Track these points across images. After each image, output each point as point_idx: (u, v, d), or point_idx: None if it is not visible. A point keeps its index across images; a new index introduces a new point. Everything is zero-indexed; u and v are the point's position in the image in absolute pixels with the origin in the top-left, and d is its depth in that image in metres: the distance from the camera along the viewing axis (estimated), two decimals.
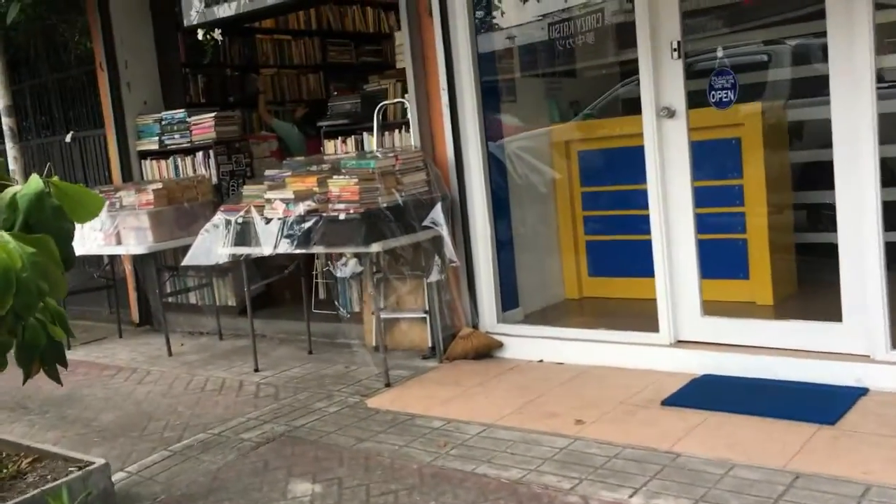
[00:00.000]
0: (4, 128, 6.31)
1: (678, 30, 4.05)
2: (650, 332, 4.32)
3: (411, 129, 5.06)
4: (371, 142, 5.46)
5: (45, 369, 2.84)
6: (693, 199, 4.16)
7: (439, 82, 4.82)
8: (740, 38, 4.81)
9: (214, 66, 7.44)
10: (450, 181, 4.88)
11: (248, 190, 5.09)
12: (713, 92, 4.15)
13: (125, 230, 5.85)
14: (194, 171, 6.47)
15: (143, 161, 6.82)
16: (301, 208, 4.60)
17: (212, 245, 4.97)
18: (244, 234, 4.82)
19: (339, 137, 5.67)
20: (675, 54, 4.05)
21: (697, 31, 4.59)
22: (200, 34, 5.15)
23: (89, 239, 5.94)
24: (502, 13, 5.40)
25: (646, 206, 4.32)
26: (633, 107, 6.00)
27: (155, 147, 6.67)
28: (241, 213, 4.87)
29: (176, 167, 6.59)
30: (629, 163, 5.35)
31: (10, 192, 2.86)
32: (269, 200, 4.78)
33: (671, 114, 4.11)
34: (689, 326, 4.23)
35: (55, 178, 3.00)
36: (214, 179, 6.32)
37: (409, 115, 5.10)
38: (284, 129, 7.39)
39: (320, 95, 8.29)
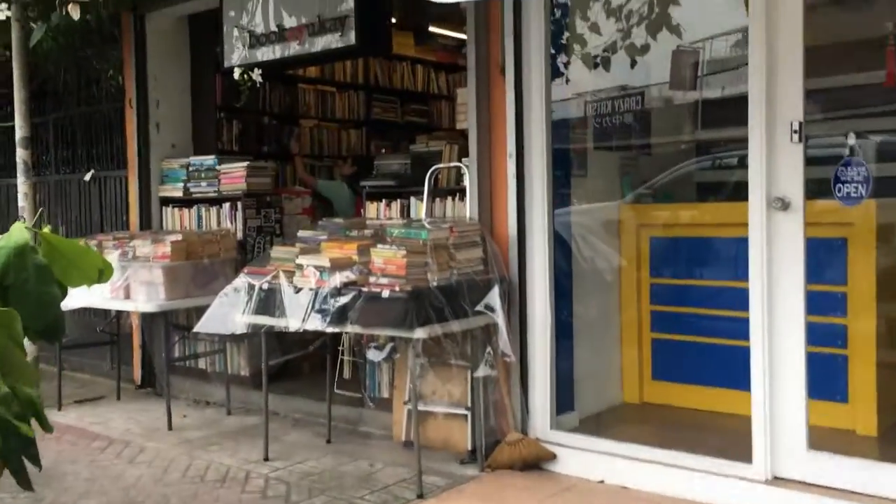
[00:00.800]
0: (18, 160, 5.77)
1: (800, 109, 3.44)
2: (740, 462, 3.60)
3: (468, 198, 4.45)
4: (420, 208, 4.85)
5: (11, 472, 2.18)
6: (805, 305, 3.49)
7: (506, 148, 4.24)
8: (873, 124, 4.20)
9: (251, 112, 6.94)
10: (509, 261, 4.25)
11: (277, 251, 4.48)
12: (841, 185, 3.51)
13: (136, 284, 5.24)
14: (219, 223, 5.89)
15: (164, 208, 6.25)
16: (337, 279, 3.97)
17: (230, 311, 4.34)
18: (268, 303, 4.19)
19: (384, 200, 5.07)
20: (796, 137, 3.43)
21: (822, 112, 3.99)
22: (237, 73, 4.59)
23: (96, 290, 5.33)
24: (572, 76, 4.86)
25: (730, 306, 3.69)
26: (707, 191, 5.42)
27: (179, 194, 6.11)
28: (268, 277, 4.25)
29: (199, 218, 6.01)
30: (714, 255, 4.71)
31: None
32: (300, 266, 4.16)
33: (785, 205, 3.47)
34: (792, 461, 3.51)
35: (46, 230, 2.40)
36: (240, 235, 5.74)
37: (465, 182, 4.51)
38: (333, 188, 6.83)
39: (361, 152, 7.76)
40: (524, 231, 4.25)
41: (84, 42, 7.30)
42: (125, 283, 5.28)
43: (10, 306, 2.27)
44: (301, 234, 4.66)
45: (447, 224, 4.17)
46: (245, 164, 5.76)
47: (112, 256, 5.37)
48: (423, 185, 4.86)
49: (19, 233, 2.28)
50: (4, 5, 4.17)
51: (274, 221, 5.91)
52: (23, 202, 5.79)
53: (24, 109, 5.79)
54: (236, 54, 5.42)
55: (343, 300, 3.88)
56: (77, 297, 5.36)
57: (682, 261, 4.79)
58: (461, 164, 4.63)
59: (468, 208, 4.47)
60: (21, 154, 5.78)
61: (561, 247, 4.47)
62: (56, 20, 4.93)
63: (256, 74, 4.28)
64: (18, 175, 5.80)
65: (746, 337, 3.64)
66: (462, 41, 8.49)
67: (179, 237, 5.26)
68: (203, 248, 5.35)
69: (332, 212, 6.78)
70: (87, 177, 7.06)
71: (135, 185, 6.28)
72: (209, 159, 5.96)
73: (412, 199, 4.94)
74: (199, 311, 4.63)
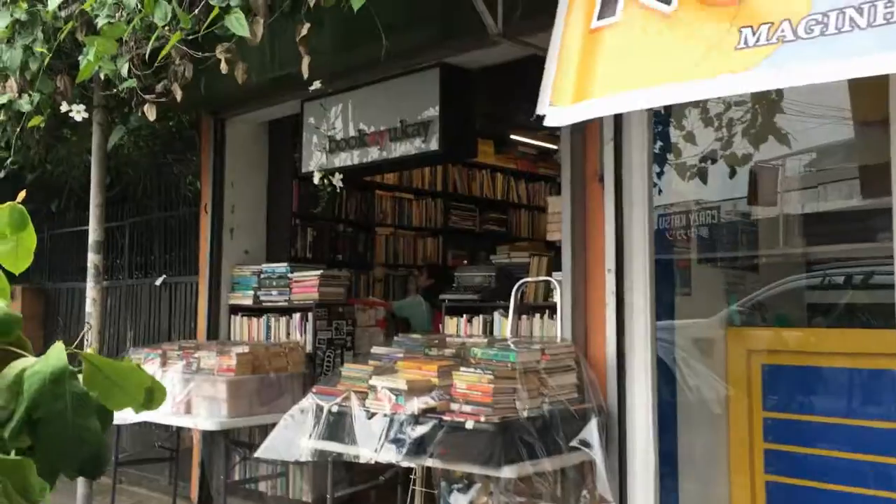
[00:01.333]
0: (89, 265, 5.62)
1: None
2: None
3: (559, 317, 4.04)
4: (504, 325, 4.45)
5: None
6: None
7: (604, 262, 3.83)
8: None
9: (327, 219, 6.74)
10: (607, 389, 3.77)
11: (348, 370, 4.10)
12: None
13: (198, 398, 4.91)
14: (288, 334, 5.58)
15: (233, 316, 6.00)
16: (415, 405, 3.55)
17: (295, 435, 3.94)
18: (337, 428, 3.79)
19: (464, 315, 4.69)
20: None
21: None
22: (317, 178, 4.36)
23: None
24: (669, 186, 4.48)
25: (871, 450, 3.10)
26: (823, 313, 4.87)
27: (249, 302, 5.86)
28: (338, 399, 3.86)
29: (268, 328, 5.72)
30: (845, 388, 4.14)
31: (17, 366, 1.95)
32: (373, 388, 3.77)
33: None
34: None
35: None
36: (309, 347, 5.40)
37: (556, 298, 4.11)
38: (409, 307, 6.51)
39: (437, 261, 7.46)
40: (623, 355, 3.79)
41: (165, 148, 7.34)
42: (187, 396, 4.96)
43: (42, 442, 1.94)
44: (375, 350, 4.29)
45: (537, 345, 3.75)
46: (318, 272, 5.49)
47: (176, 368, 5.09)
48: (508, 300, 4.49)
49: (58, 356, 1.96)
50: (81, 107, 4.04)
51: (345, 334, 5.57)
52: (90, 308, 5.60)
53: (99, 213, 5.68)
54: (315, 159, 5.23)
55: (421, 430, 3.45)
56: (132, 415, 5.08)
57: (803, 393, 4.22)
58: (551, 279, 4.24)
59: (559, 328, 4.05)
60: (92, 259, 5.63)
61: (662, 372, 3.98)
62: (135, 123, 4.81)
63: (337, 179, 4.03)
64: (88, 280, 5.63)
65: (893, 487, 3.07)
66: (543, 150, 8.31)
67: (246, 349, 4.94)
68: (270, 362, 5.02)
69: (407, 323, 6.43)
70: (159, 281, 6.91)
71: (204, 291, 6.06)
72: (281, 267, 5.71)
73: (496, 315, 4.54)
74: (263, 429, 4.26)
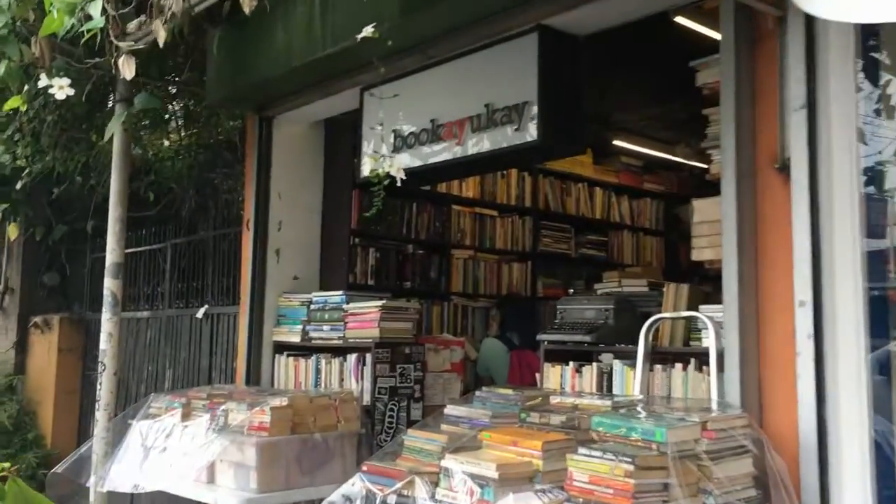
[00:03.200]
0: (105, 292, 4.64)
1: None
2: None
3: (713, 370, 2.80)
4: (628, 379, 3.22)
5: None
6: None
7: (792, 290, 2.57)
8: None
9: (394, 238, 5.62)
10: (801, 484, 2.49)
11: (413, 438, 2.94)
12: None
13: (223, 464, 3.82)
14: (341, 381, 4.46)
15: (277, 356, 4.91)
16: (511, 503, 2.35)
17: None
18: None
19: (571, 363, 3.46)
20: None
21: None
22: (367, 168, 3.16)
23: (177, 463, 3.95)
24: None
25: None
26: None
27: (296, 339, 4.76)
28: (397, 485, 2.69)
29: (317, 372, 4.60)
30: None
31: None
32: (447, 472, 2.58)
33: None
34: None
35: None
36: (366, 398, 4.26)
37: (707, 342, 2.88)
38: (492, 357, 5.29)
39: (524, 290, 6.25)
40: (825, 431, 2.50)
41: (213, 159, 6.39)
42: (211, 461, 3.87)
43: None
44: (450, 411, 3.12)
45: (694, 415, 2.50)
46: (380, 303, 4.35)
47: (200, 423, 4.00)
48: (631, 342, 3.27)
49: None
50: (65, 81, 3.04)
51: (413, 381, 4.40)
52: (105, 344, 4.60)
53: (118, 230, 4.69)
54: (375, 162, 4.11)
55: None
56: (148, 479, 4.02)
57: None
58: (699, 315, 2.99)
59: (714, 386, 2.80)
60: (109, 285, 4.64)
61: (880, 457, 2.67)
62: (141, 104, 3.77)
63: (397, 170, 2.90)
64: (104, 310, 4.64)
65: None
66: (652, 160, 7.04)
67: (284, 401, 3.82)
68: (315, 418, 3.88)
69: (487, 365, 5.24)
70: (200, 313, 5.89)
71: (244, 325, 4.99)
72: (336, 296, 4.60)
73: (616, 364, 3.30)
74: None
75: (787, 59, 2.67)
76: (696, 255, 3.03)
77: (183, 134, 6.49)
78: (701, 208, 3.04)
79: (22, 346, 7.69)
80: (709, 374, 2.97)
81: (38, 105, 4.80)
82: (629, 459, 2.22)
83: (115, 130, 4.55)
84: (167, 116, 5.72)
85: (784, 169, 2.64)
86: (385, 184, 3.03)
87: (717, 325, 2.89)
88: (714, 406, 2.76)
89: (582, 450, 2.35)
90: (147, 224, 6.90)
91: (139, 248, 6.85)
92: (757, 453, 2.45)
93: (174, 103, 6.13)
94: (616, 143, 6.55)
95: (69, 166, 5.47)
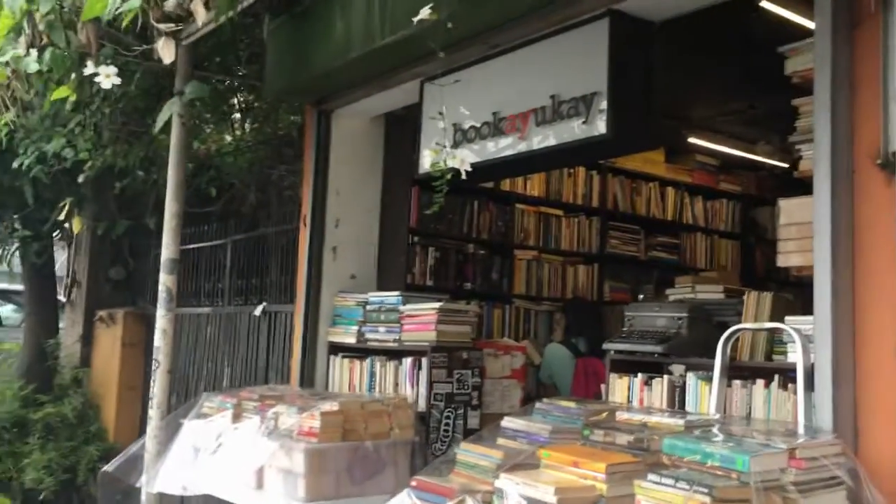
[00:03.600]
0: (161, 287, 4.56)
1: None
2: None
3: (800, 389, 2.51)
4: (703, 394, 2.95)
5: None
6: None
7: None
8: None
9: (454, 237, 5.41)
10: None
11: (466, 453, 2.75)
12: None
13: (272, 469, 3.68)
14: (396, 385, 4.28)
15: (332, 357, 4.76)
16: None
17: None
18: None
19: (639, 374, 3.21)
20: None
21: None
22: (428, 161, 2.93)
23: (226, 470, 3.83)
24: None
25: None
26: None
27: (352, 340, 4.60)
28: (449, 503, 2.49)
29: (372, 375, 4.44)
30: None
31: None
32: (501, 492, 2.37)
33: None
34: None
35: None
36: (421, 404, 4.07)
37: (794, 358, 2.60)
38: (557, 364, 5.03)
39: (590, 294, 5.97)
40: None
41: (275, 154, 6.31)
42: (260, 465, 3.74)
43: None
44: (507, 423, 2.90)
45: (780, 440, 2.23)
46: (437, 304, 4.15)
47: (250, 425, 3.88)
48: (706, 355, 3.00)
49: None
50: (112, 69, 2.92)
51: (471, 388, 4.19)
52: (159, 341, 4.52)
53: (175, 225, 4.61)
54: (435, 157, 3.92)
55: None
56: (196, 481, 3.91)
57: None
58: (785, 327, 2.71)
59: (800, 407, 2.51)
60: (165, 280, 4.55)
61: None
62: (193, 93, 3.65)
63: (461, 161, 2.68)
64: (158, 306, 4.57)
65: None
66: (728, 159, 6.66)
67: (335, 406, 3.66)
68: (367, 424, 3.71)
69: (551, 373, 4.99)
70: (258, 311, 5.80)
71: (299, 324, 4.86)
72: (392, 296, 4.42)
73: (691, 378, 3.03)
74: None
75: (891, 42, 2.37)
76: (783, 261, 2.74)
77: (244, 129, 6.43)
78: (789, 209, 2.74)
79: (87, 340, 7.76)
80: (795, 394, 2.69)
81: (99, 98, 4.77)
82: (706, 490, 1.97)
83: (172, 123, 4.47)
84: (226, 109, 5.65)
85: (887, 166, 2.35)
86: (448, 178, 2.81)
87: (806, 338, 2.61)
88: (801, 430, 2.48)
89: (652, 476, 2.11)
90: (209, 220, 6.88)
91: (201, 244, 6.81)
92: (852, 486, 2.17)
93: (236, 97, 6.08)
94: (691, 140, 6.21)
95: (130, 160, 5.43)
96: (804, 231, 2.67)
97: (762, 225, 7.14)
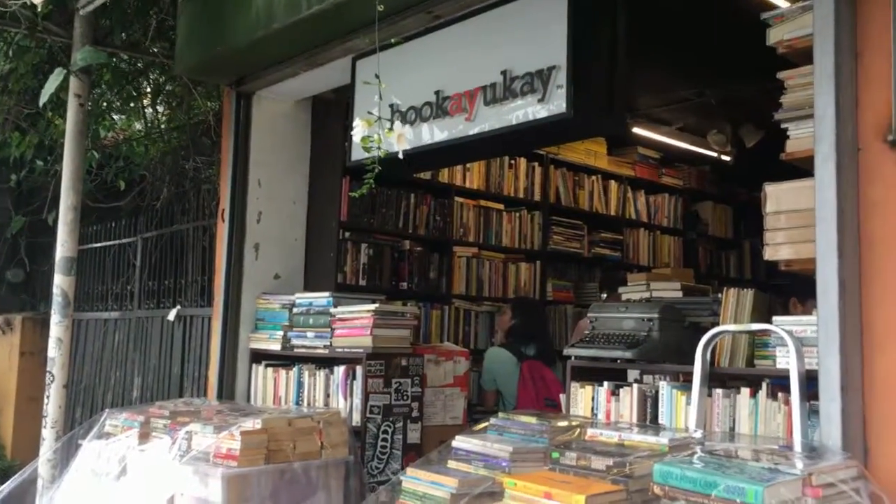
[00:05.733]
0: (54, 289, 4.02)
1: None
2: None
3: (795, 400, 2.20)
4: (679, 405, 2.61)
5: None
6: None
7: None
8: None
9: (389, 233, 4.99)
10: None
11: (413, 481, 2.35)
12: None
13: (185, 499, 3.19)
14: (327, 397, 3.84)
15: (254, 366, 4.29)
16: None
17: None
18: None
19: (605, 383, 2.85)
20: None
21: None
22: (358, 134, 2.47)
23: (130, 495, 3.33)
24: None
25: None
26: None
27: (276, 347, 4.14)
28: None
29: (299, 385, 3.99)
30: None
31: None
32: None
33: None
34: None
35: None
36: (356, 418, 3.64)
37: (786, 363, 2.29)
38: (488, 368, 4.63)
39: (533, 294, 5.63)
40: None
41: (188, 147, 5.78)
42: (171, 496, 3.25)
43: None
44: (460, 443, 2.51)
45: (786, 462, 1.89)
46: (373, 306, 3.73)
47: (160, 447, 3.39)
48: (679, 361, 2.68)
49: None
50: None
51: (411, 398, 3.78)
52: (54, 352, 3.97)
53: (72, 219, 4.07)
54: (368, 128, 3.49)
55: None
56: None
57: None
58: (775, 329, 2.39)
59: (796, 421, 2.19)
60: (60, 282, 4.02)
61: None
62: (83, 61, 3.14)
63: (397, 136, 2.26)
64: (53, 312, 4.02)
65: None
66: (671, 152, 6.41)
67: (258, 423, 3.21)
68: (295, 444, 3.27)
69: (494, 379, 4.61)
70: (172, 315, 5.27)
71: (217, 330, 4.37)
72: (321, 297, 3.98)
73: (663, 387, 2.69)
74: None
75: None
76: (770, 254, 2.42)
77: (156, 114, 5.88)
78: (777, 195, 2.42)
79: None
80: (786, 404, 2.38)
81: None
82: None
83: (68, 105, 3.95)
84: (135, 93, 5.10)
85: None
86: (380, 155, 2.40)
87: (798, 341, 2.30)
88: (798, 447, 2.16)
89: None
90: (117, 215, 6.29)
91: (108, 242, 6.22)
92: None
93: (147, 79, 5.53)
94: (636, 130, 5.93)
95: (23, 148, 4.84)
96: (795, 219, 2.35)
97: (704, 220, 6.95)
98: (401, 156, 2.39)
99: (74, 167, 4.05)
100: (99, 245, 6.32)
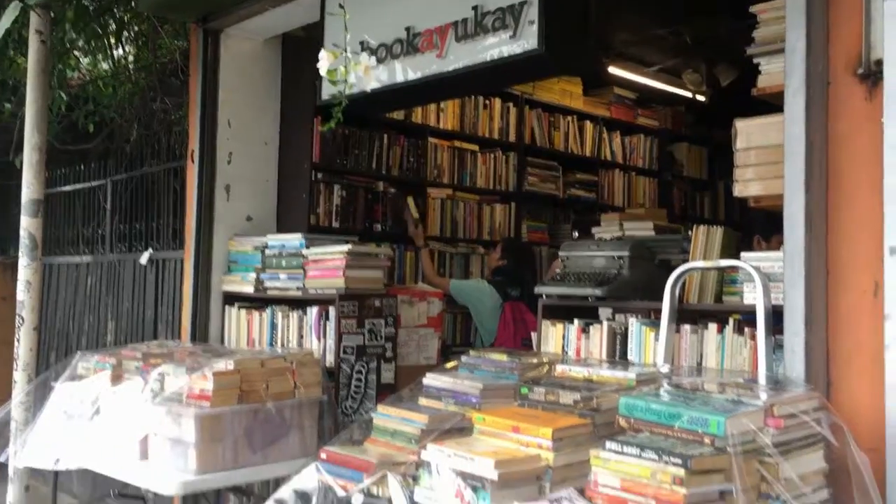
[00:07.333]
0: (21, 233, 3.95)
1: None
2: None
3: (759, 337, 2.23)
4: (648, 343, 2.64)
5: None
6: None
7: (880, 236, 1.98)
8: None
9: (362, 174, 4.95)
10: (886, 481, 1.94)
11: (384, 417, 2.35)
12: None
13: (157, 438, 3.20)
14: (300, 338, 3.85)
15: (227, 308, 4.28)
16: None
17: None
18: None
19: (576, 320, 2.87)
20: None
21: None
22: (324, 66, 2.41)
23: (104, 435, 3.33)
24: None
25: None
26: None
27: (249, 289, 4.13)
28: (367, 480, 2.10)
29: (273, 327, 3.99)
30: None
31: None
32: (429, 466, 1.99)
33: None
34: None
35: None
36: (329, 359, 3.66)
37: (753, 299, 2.31)
38: (469, 291, 4.64)
39: (508, 232, 5.63)
40: None
41: (157, 88, 5.66)
42: (144, 433, 3.26)
43: None
44: (430, 380, 2.52)
45: (750, 394, 1.92)
46: (345, 248, 3.71)
47: (132, 387, 3.38)
48: (649, 298, 2.70)
49: None
50: None
51: (384, 338, 3.80)
52: (23, 294, 3.92)
53: (37, 160, 3.98)
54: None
55: None
56: (70, 453, 3.40)
57: None
58: (743, 265, 2.40)
59: (761, 355, 2.23)
60: (27, 224, 3.95)
61: None
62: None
63: (365, 67, 2.21)
64: (20, 255, 3.96)
65: None
66: (647, 92, 6.35)
67: (230, 365, 3.20)
68: (268, 384, 3.26)
69: (470, 321, 4.64)
70: (144, 258, 5.23)
71: (189, 273, 4.34)
72: (294, 239, 3.96)
73: (632, 323, 2.72)
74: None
75: None
76: (740, 191, 2.42)
77: (124, 52, 5.73)
78: (747, 131, 2.42)
79: None
80: (752, 339, 2.41)
81: None
82: (679, 461, 1.64)
83: (30, 42, 3.83)
84: (100, 31, 4.96)
85: (869, 76, 2.03)
86: (347, 88, 2.35)
87: (765, 276, 2.31)
88: (762, 380, 2.20)
89: (611, 444, 1.76)
90: (87, 158, 6.18)
91: (77, 185, 6.13)
92: (835, 444, 1.89)
93: (112, 16, 5.37)
94: (612, 70, 5.88)
95: None
96: (765, 156, 2.36)
97: (679, 161, 6.95)
98: (369, 89, 2.35)
99: (38, 107, 3.95)
100: (68, 188, 6.23)
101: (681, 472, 1.63)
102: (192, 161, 4.33)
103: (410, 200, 5.02)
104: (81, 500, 4.36)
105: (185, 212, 4.54)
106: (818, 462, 1.90)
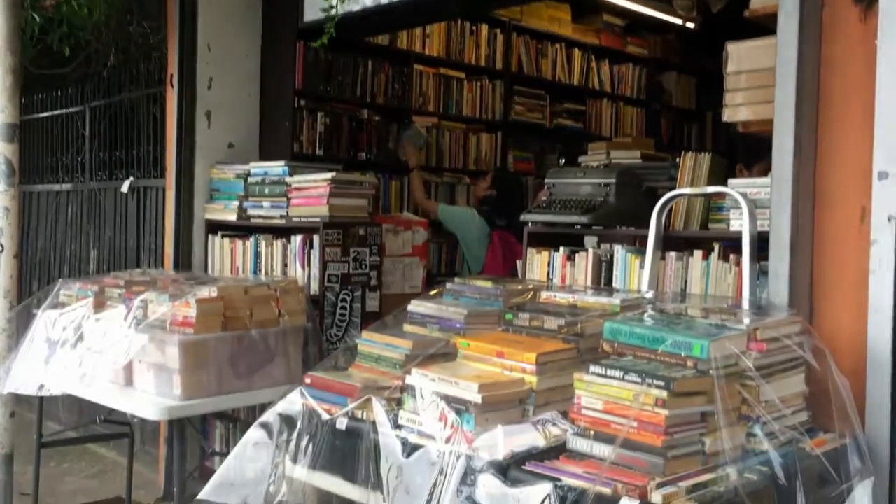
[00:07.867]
0: (0, 157, 3.87)
1: None
2: None
3: (744, 263, 2.22)
4: (633, 270, 2.63)
5: None
6: None
7: (870, 161, 1.96)
8: None
9: (346, 101, 4.86)
10: (866, 406, 1.96)
11: (369, 343, 2.35)
12: None
13: (142, 365, 3.20)
14: (284, 266, 3.82)
15: (210, 237, 4.24)
16: (499, 441, 1.79)
17: (267, 459, 2.23)
18: (345, 458, 2.06)
19: (562, 248, 2.86)
20: None
21: None
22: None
23: (88, 362, 3.33)
24: None
25: None
26: None
27: (232, 217, 4.09)
28: (351, 404, 2.11)
29: (256, 255, 3.96)
30: None
31: None
32: (413, 391, 2.00)
33: None
34: None
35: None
36: (314, 287, 3.65)
37: (739, 226, 2.30)
38: (459, 218, 4.63)
39: (494, 162, 5.58)
40: None
41: (133, 9, 5.48)
42: (128, 360, 3.25)
43: None
44: (415, 307, 2.51)
45: (733, 319, 1.92)
46: (329, 175, 3.67)
47: (115, 315, 3.36)
48: (636, 225, 2.69)
49: None
50: None
51: (369, 266, 3.78)
52: (2, 221, 3.86)
53: (11, 83, 3.86)
54: (321, 3, 3.33)
55: (519, 495, 1.68)
56: (55, 379, 3.40)
57: None
58: (730, 191, 2.39)
59: (745, 280, 2.23)
60: (3, 149, 3.85)
61: None
62: None
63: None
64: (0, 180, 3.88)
65: None
66: (636, 19, 6.22)
67: (214, 292, 3.18)
68: (252, 311, 3.26)
69: (455, 251, 4.63)
70: (125, 187, 5.15)
71: (171, 201, 4.29)
72: (277, 166, 3.90)
73: (618, 251, 2.71)
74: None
75: None
76: (729, 115, 2.39)
77: None
78: (738, 55, 2.37)
79: None
80: (737, 265, 2.41)
81: None
82: (662, 383, 1.65)
83: None
84: None
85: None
86: (341, 3, 2.28)
87: (752, 203, 2.30)
88: (746, 305, 2.20)
89: (594, 367, 1.77)
90: (63, 83, 6.03)
91: (55, 112, 6.00)
92: (816, 367, 1.90)
93: None
94: None
95: None
96: (755, 79, 2.31)
97: (668, 91, 6.87)
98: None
99: (10, 27, 3.81)
100: (45, 115, 6.09)
101: (663, 394, 1.64)
102: (172, 86, 4.24)
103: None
104: (67, 425, 4.38)
105: (166, 139, 4.46)
106: (799, 385, 1.91)
